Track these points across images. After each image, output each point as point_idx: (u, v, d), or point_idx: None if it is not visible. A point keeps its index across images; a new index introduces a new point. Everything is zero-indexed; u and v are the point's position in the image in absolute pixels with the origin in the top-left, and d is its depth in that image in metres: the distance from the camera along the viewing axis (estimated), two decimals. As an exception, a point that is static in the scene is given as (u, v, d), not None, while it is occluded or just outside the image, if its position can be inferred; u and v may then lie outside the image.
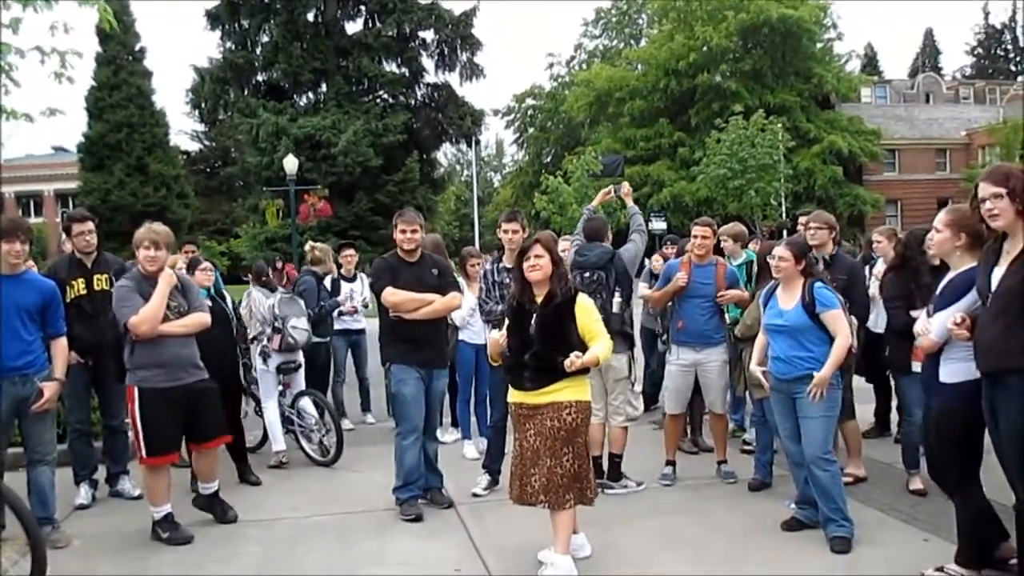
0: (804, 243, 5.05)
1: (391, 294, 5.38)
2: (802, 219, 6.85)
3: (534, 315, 4.32)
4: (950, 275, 4.03)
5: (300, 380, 7.19)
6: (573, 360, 4.10)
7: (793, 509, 5.02)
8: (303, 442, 7.08)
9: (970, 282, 3.82)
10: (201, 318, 5.25)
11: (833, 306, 4.65)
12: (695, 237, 6.13)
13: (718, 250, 6.75)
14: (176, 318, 5.11)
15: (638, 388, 5.99)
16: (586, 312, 4.31)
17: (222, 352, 5.90)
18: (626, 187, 6.48)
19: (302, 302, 7.27)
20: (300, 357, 7.15)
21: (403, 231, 5.51)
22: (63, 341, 5.06)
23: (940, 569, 4.05)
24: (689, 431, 7.05)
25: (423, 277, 5.50)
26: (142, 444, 5.01)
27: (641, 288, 7.25)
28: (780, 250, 4.87)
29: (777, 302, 4.88)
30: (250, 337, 6.90)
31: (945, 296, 3.95)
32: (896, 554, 4.43)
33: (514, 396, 4.44)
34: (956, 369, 3.89)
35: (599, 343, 4.26)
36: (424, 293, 5.43)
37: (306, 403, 7.10)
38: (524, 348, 4.32)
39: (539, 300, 4.34)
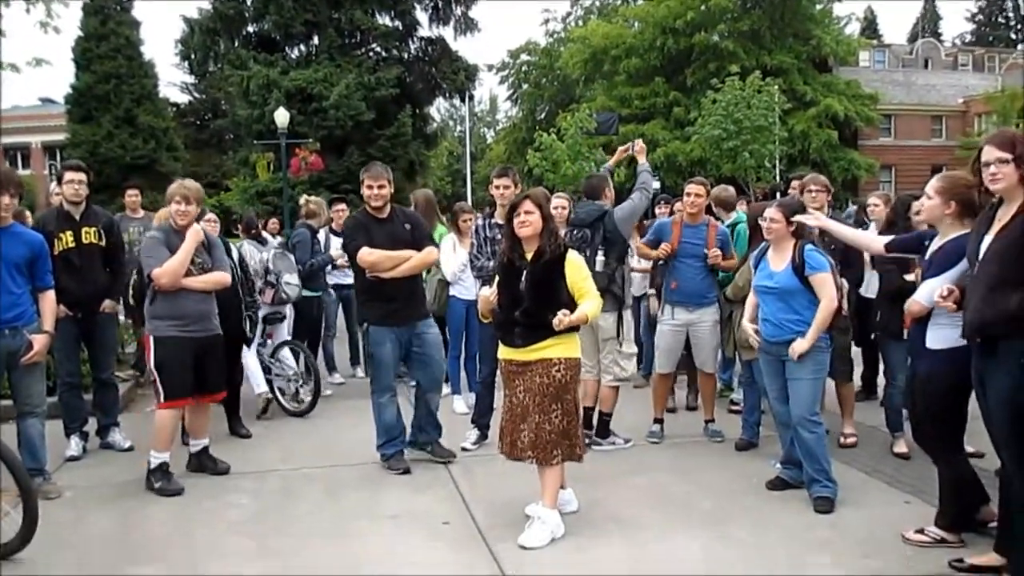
0: (796, 204, 5.04)
1: (367, 254, 5.29)
2: (795, 182, 6.85)
3: (524, 272, 4.32)
4: (939, 242, 4.03)
5: (283, 331, 7.37)
6: (561, 318, 4.12)
7: (778, 469, 5.08)
8: (279, 394, 7.18)
9: (961, 250, 3.82)
10: (222, 277, 5.40)
11: (822, 269, 4.66)
12: (687, 195, 6.11)
13: (712, 211, 6.77)
14: (199, 274, 5.24)
15: (629, 349, 5.97)
16: (575, 269, 4.31)
17: (224, 304, 5.90)
18: (639, 144, 6.37)
19: (292, 257, 7.30)
20: (286, 309, 7.28)
21: (369, 187, 5.42)
22: (51, 294, 5.06)
23: (921, 531, 4.12)
24: (687, 390, 7.13)
25: (396, 233, 5.41)
26: (160, 389, 5.16)
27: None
28: (771, 211, 4.86)
29: (768, 264, 4.89)
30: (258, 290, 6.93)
31: (936, 263, 3.96)
32: (878, 515, 4.50)
33: (504, 352, 4.45)
34: (943, 335, 3.91)
35: (588, 301, 4.28)
36: (399, 250, 5.36)
37: (286, 353, 7.25)
38: (514, 305, 4.33)
39: (529, 257, 4.34)
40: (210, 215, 6.52)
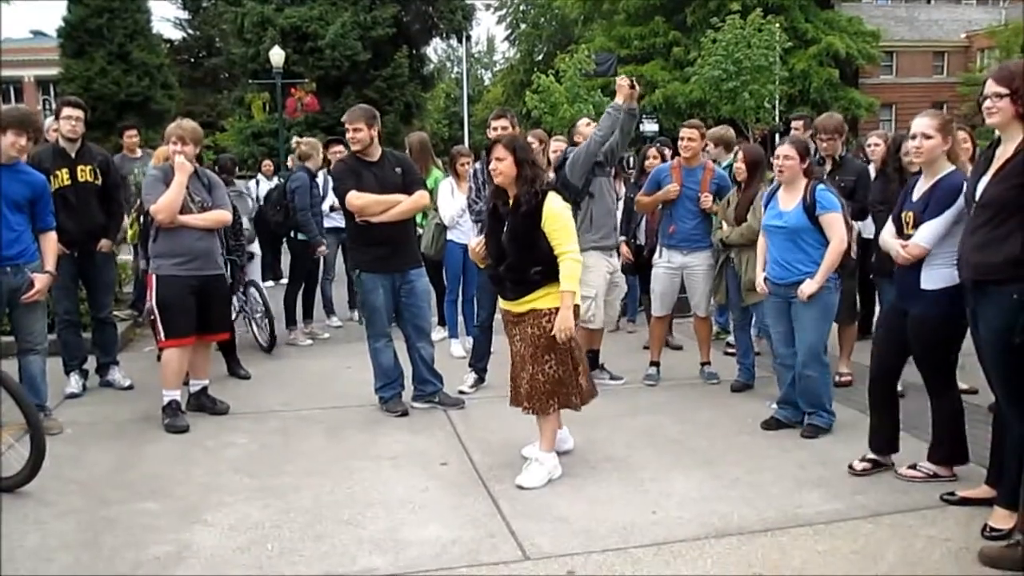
0: (807, 141, 5.02)
1: (356, 197, 5.21)
2: (796, 122, 6.80)
3: (506, 222, 4.24)
4: (929, 181, 3.99)
5: (253, 269, 7.53)
6: (557, 331, 4.09)
7: (774, 409, 5.14)
8: (252, 327, 7.34)
9: (956, 188, 3.83)
10: (221, 215, 5.45)
11: (833, 208, 4.64)
12: (682, 139, 6.08)
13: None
14: (199, 212, 5.28)
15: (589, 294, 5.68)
16: (551, 218, 4.11)
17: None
18: (622, 81, 5.74)
19: (249, 200, 7.58)
20: (253, 247, 7.45)
21: (347, 130, 5.34)
22: (52, 235, 5.06)
23: (914, 466, 4.19)
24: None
25: (386, 177, 5.33)
26: (160, 328, 5.23)
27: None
28: (784, 148, 4.84)
29: (778, 203, 4.87)
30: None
31: (934, 203, 3.93)
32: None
33: (501, 303, 4.45)
34: (938, 275, 3.93)
35: (564, 265, 4.09)
36: (389, 194, 5.29)
37: (254, 292, 7.35)
38: (501, 258, 4.27)
39: (511, 205, 4.25)
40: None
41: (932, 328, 3.98)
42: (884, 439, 4.30)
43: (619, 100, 5.60)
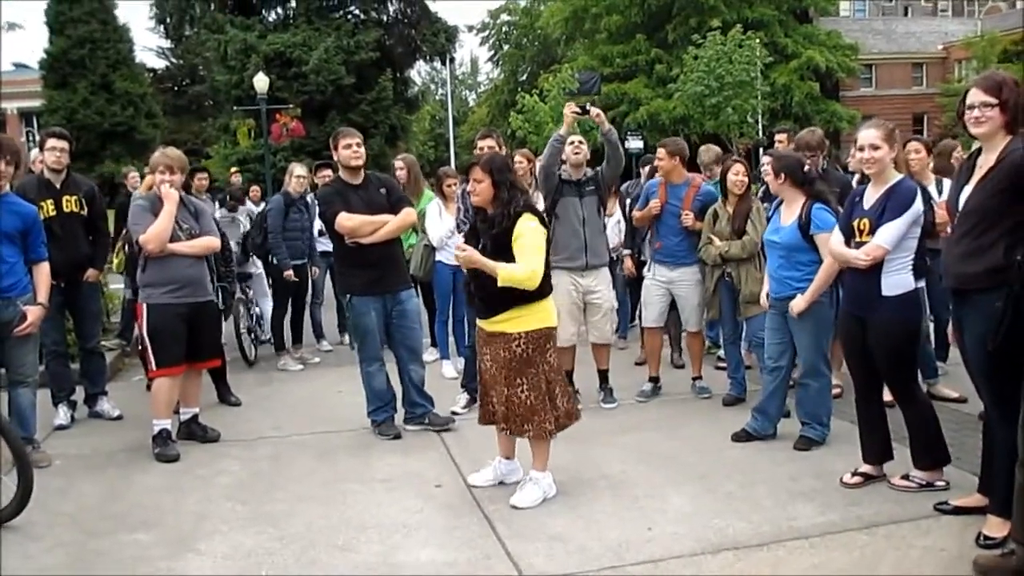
0: (790, 158, 5.04)
1: (346, 219, 5.23)
2: (779, 136, 6.86)
3: (482, 241, 4.25)
4: (879, 188, 4.04)
5: (260, 288, 7.98)
6: (463, 251, 4.14)
7: (748, 418, 5.15)
8: (243, 341, 7.69)
9: (912, 192, 3.97)
10: (209, 242, 5.46)
11: (827, 228, 4.64)
12: (659, 159, 6.14)
13: (697, 168, 6.77)
14: (187, 240, 5.28)
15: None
16: (520, 233, 4.11)
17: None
18: (594, 111, 5.77)
19: (243, 226, 7.90)
20: (257, 266, 7.85)
21: (347, 146, 5.36)
22: (45, 266, 5.04)
23: (906, 477, 4.20)
24: (671, 348, 7.19)
25: (372, 198, 5.36)
26: (151, 357, 5.21)
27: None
28: (764, 163, 4.90)
29: (779, 218, 4.93)
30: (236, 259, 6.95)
31: (891, 208, 3.97)
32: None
33: (477, 320, 4.44)
34: (897, 281, 4.00)
35: (517, 265, 4.07)
36: (377, 215, 5.30)
37: (256, 309, 7.84)
38: (475, 274, 4.25)
39: (486, 223, 4.26)
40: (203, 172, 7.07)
41: (894, 334, 4.04)
42: (875, 451, 4.32)
43: (562, 130, 5.71)
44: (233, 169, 8.77)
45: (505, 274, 4.07)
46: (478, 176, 4.19)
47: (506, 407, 4.24)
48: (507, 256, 4.12)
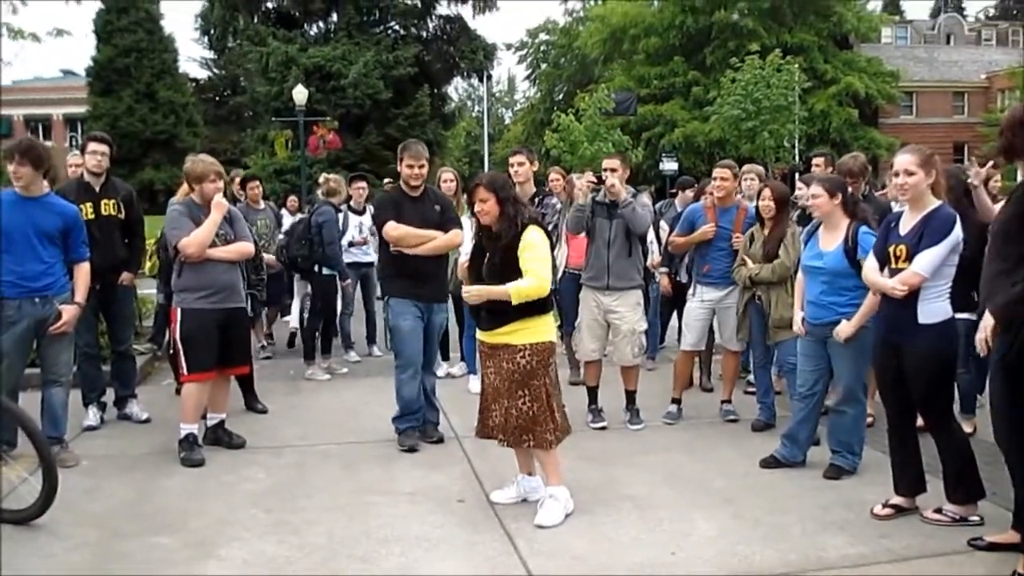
0: (839, 179, 4.98)
1: (393, 228, 5.37)
2: (815, 159, 6.78)
3: (487, 255, 4.28)
4: (917, 214, 4.00)
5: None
6: (471, 292, 4.17)
7: (777, 445, 5.07)
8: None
9: (951, 221, 3.90)
10: (245, 247, 5.48)
11: None
12: (714, 179, 6.08)
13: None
14: (223, 245, 5.31)
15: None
16: (526, 246, 4.15)
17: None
18: (609, 182, 5.61)
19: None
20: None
21: (410, 166, 5.49)
22: (86, 266, 5.13)
23: (939, 510, 4.10)
24: (701, 371, 7.11)
25: (426, 213, 5.48)
26: (183, 361, 5.23)
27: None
28: (814, 187, 4.82)
29: (818, 242, 4.81)
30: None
31: (929, 235, 3.92)
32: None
33: (478, 333, 4.44)
34: (934, 309, 3.95)
35: (525, 280, 4.09)
36: (426, 229, 5.41)
37: None
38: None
39: (492, 238, 4.28)
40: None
41: (930, 362, 3.97)
42: (908, 483, 4.23)
43: (579, 200, 5.74)
44: (324, 176, 8.75)
45: (517, 292, 4.09)
46: (483, 195, 4.22)
47: (505, 419, 4.24)
48: (514, 268, 4.15)
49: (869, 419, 5.77)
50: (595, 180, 5.70)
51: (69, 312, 4.94)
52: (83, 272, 5.11)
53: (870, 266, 4.20)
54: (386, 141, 33.39)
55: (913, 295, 3.94)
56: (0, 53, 7.00)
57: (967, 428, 5.41)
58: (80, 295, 5.06)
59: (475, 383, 7.03)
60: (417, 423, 5.56)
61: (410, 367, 5.47)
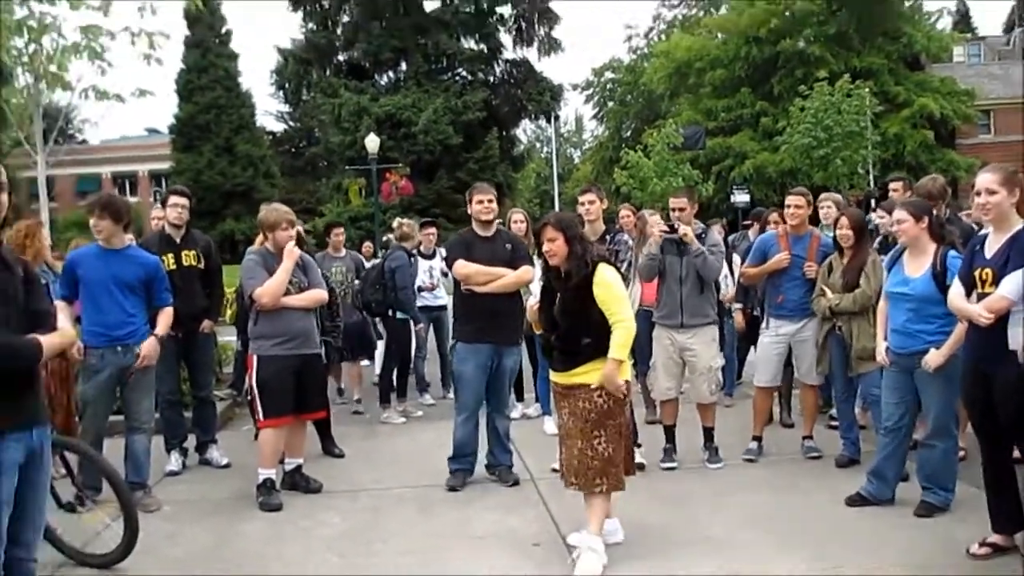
0: (924, 201, 4.81)
1: (462, 266, 5.43)
2: (893, 184, 6.61)
3: (558, 295, 4.25)
4: (1004, 235, 3.84)
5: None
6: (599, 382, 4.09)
7: (863, 481, 4.86)
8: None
9: None
10: (319, 294, 5.57)
11: None
12: (788, 207, 5.97)
13: (814, 219, 6.55)
14: (297, 293, 5.38)
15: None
16: (604, 287, 4.13)
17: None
18: (682, 230, 5.59)
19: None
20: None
21: (480, 201, 5.56)
22: (169, 310, 5.37)
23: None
24: (780, 407, 6.92)
25: (496, 251, 5.53)
26: (259, 407, 5.31)
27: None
28: (897, 212, 4.67)
29: (903, 268, 4.64)
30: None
31: (1016, 257, 3.75)
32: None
33: (552, 375, 4.40)
34: None
35: (616, 333, 4.07)
36: (496, 267, 5.44)
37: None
38: (552, 328, 4.27)
39: (562, 278, 4.24)
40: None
41: (1022, 386, 3.74)
42: (1006, 519, 4.00)
43: (653, 249, 5.71)
44: (398, 220, 8.88)
45: (621, 350, 4.09)
46: (551, 235, 4.21)
47: (579, 460, 4.16)
48: (587, 306, 4.12)
49: (961, 452, 5.52)
50: (667, 229, 5.64)
51: (147, 346, 5.11)
52: (166, 314, 5.32)
53: (955, 292, 4.04)
54: (457, 185, 33.86)
55: (1002, 320, 3.76)
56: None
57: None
58: (160, 329, 5.24)
59: (550, 424, 7.00)
60: (468, 466, 5.59)
61: (465, 411, 5.52)
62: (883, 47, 35.56)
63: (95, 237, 5.18)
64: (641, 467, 5.24)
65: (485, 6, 36.52)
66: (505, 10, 37.29)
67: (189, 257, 6.08)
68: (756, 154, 33.85)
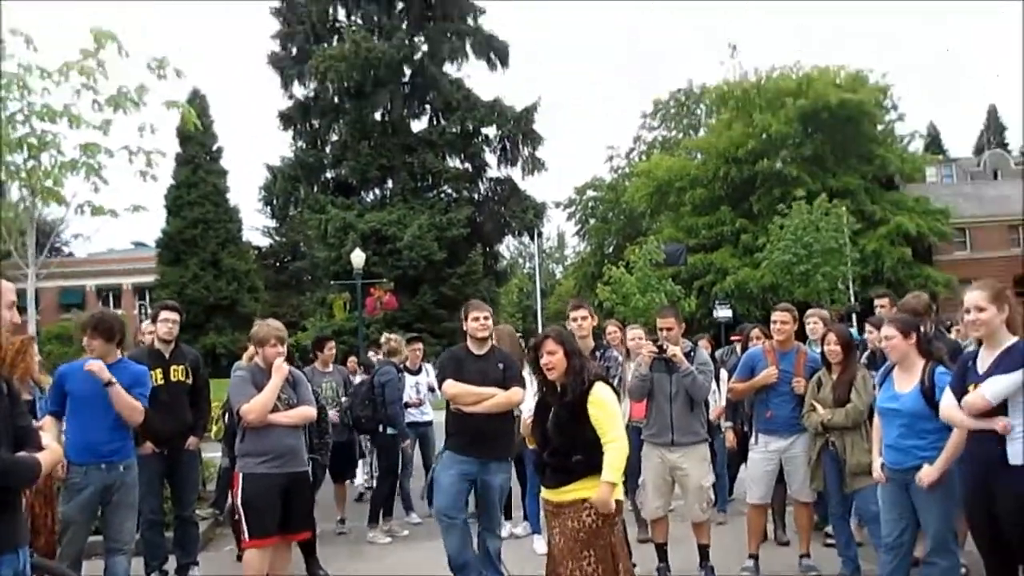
0: (912, 319, 4.89)
1: (451, 386, 5.41)
2: (878, 300, 6.72)
3: (551, 410, 4.23)
4: (995, 351, 3.90)
5: None
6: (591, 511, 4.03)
7: None
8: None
9: None
10: (308, 412, 5.49)
11: None
12: (774, 323, 6.03)
13: (799, 335, 6.61)
14: (285, 409, 5.32)
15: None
16: (598, 407, 4.12)
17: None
18: (671, 351, 5.70)
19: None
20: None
21: (475, 319, 5.56)
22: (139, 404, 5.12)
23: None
24: (775, 523, 6.81)
25: (488, 370, 5.49)
26: (244, 527, 5.18)
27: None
28: (887, 329, 4.73)
29: (892, 384, 4.67)
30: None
31: (1004, 365, 3.81)
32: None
33: (543, 492, 4.35)
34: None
35: (608, 453, 4.04)
36: (487, 387, 5.41)
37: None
38: (545, 443, 4.24)
39: (558, 394, 4.24)
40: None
41: None
42: None
43: (643, 369, 5.77)
44: (386, 336, 8.82)
45: (614, 472, 4.04)
46: (551, 348, 4.22)
47: None
48: (581, 423, 4.09)
49: (963, 570, 5.43)
50: (656, 350, 5.68)
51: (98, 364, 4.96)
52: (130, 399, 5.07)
53: (948, 403, 4.06)
54: (440, 300, 34.07)
55: (1000, 435, 3.77)
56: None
57: None
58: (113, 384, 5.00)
59: (540, 543, 6.83)
60: (473, 572, 5.41)
61: (442, 516, 5.42)
62: (858, 168, 36.83)
63: (84, 352, 5.12)
64: (637, 588, 5.09)
65: (471, 127, 37.61)
66: (490, 131, 38.42)
67: (178, 372, 6.04)
68: (737, 270, 34.41)
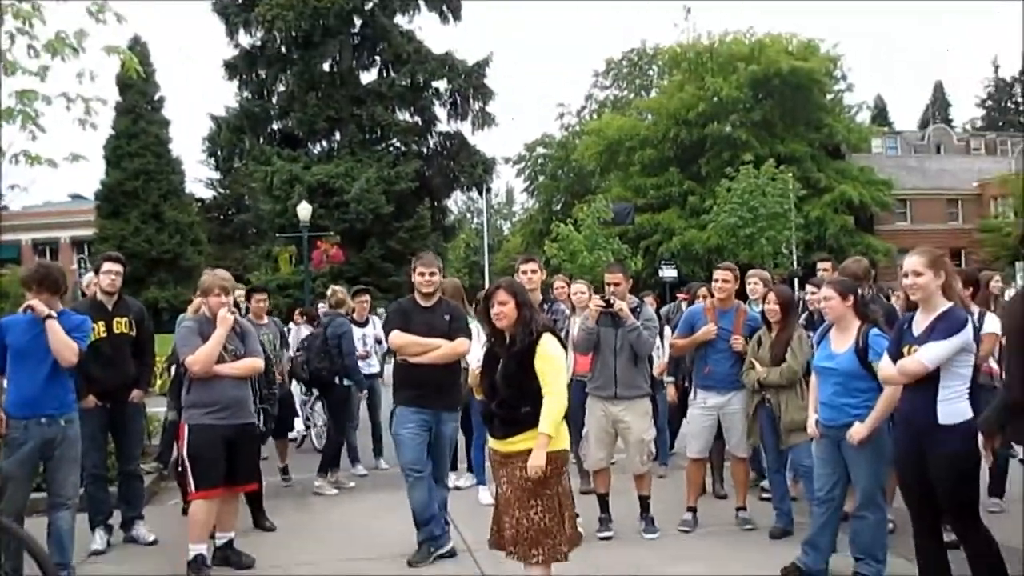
0: (850, 281, 5.03)
1: (397, 336, 5.45)
2: (821, 264, 6.88)
3: (500, 361, 4.26)
4: (930, 315, 4.03)
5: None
6: (531, 468, 4.03)
7: (797, 554, 4.96)
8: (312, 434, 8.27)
9: (962, 322, 3.94)
10: (254, 363, 5.47)
11: None
12: (715, 281, 6.13)
13: (740, 294, 6.76)
14: (232, 361, 5.29)
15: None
16: (543, 359, 4.13)
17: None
18: (618, 306, 5.72)
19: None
20: None
21: (421, 273, 5.58)
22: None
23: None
24: (713, 477, 7.01)
25: (434, 322, 5.52)
26: (191, 478, 5.18)
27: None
28: (826, 290, 4.87)
29: (829, 344, 4.83)
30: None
31: (939, 333, 3.94)
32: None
33: (490, 442, 4.38)
34: (953, 410, 3.93)
35: (546, 401, 4.06)
36: (433, 338, 5.44)
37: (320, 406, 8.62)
38: (493, 394, 4.25)
39: (506, 344, 4.27)
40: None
41: (954, 465, 3.93)
42: None
43: (590, 323, 5.82)
44: (332, 288, 8.68)
45: (552, 424, 4.06)
46: (503, 298, 4.23)
47: (516, 530, 4.11)
48: (528, 375, 4.12)
49: (890, 525, 5.66)
50: (603, 304, 5.76)
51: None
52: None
53: (885, 364, 4.21)
54: (388, 254, 33.88)
55: (931, 395, 3.94)
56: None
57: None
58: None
59: (485, 494, 6.95)
60: (433, 535, 5.45)
61: (412, 473, 5.44)
62: (806, 135, 37.41)
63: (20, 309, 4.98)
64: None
65: (421, 80, 37.12)
66: (441, 84, 37.98)
67: (121, 324, 5.92)
68: (684, 231, 34.85)
